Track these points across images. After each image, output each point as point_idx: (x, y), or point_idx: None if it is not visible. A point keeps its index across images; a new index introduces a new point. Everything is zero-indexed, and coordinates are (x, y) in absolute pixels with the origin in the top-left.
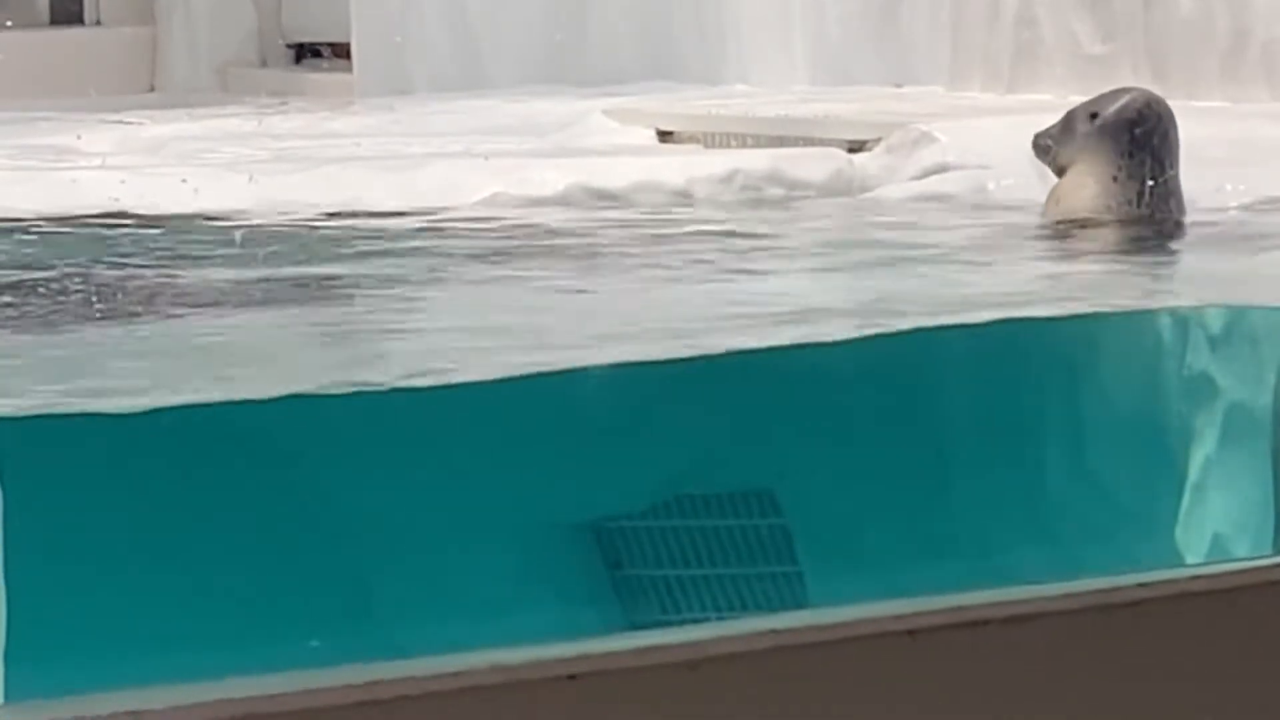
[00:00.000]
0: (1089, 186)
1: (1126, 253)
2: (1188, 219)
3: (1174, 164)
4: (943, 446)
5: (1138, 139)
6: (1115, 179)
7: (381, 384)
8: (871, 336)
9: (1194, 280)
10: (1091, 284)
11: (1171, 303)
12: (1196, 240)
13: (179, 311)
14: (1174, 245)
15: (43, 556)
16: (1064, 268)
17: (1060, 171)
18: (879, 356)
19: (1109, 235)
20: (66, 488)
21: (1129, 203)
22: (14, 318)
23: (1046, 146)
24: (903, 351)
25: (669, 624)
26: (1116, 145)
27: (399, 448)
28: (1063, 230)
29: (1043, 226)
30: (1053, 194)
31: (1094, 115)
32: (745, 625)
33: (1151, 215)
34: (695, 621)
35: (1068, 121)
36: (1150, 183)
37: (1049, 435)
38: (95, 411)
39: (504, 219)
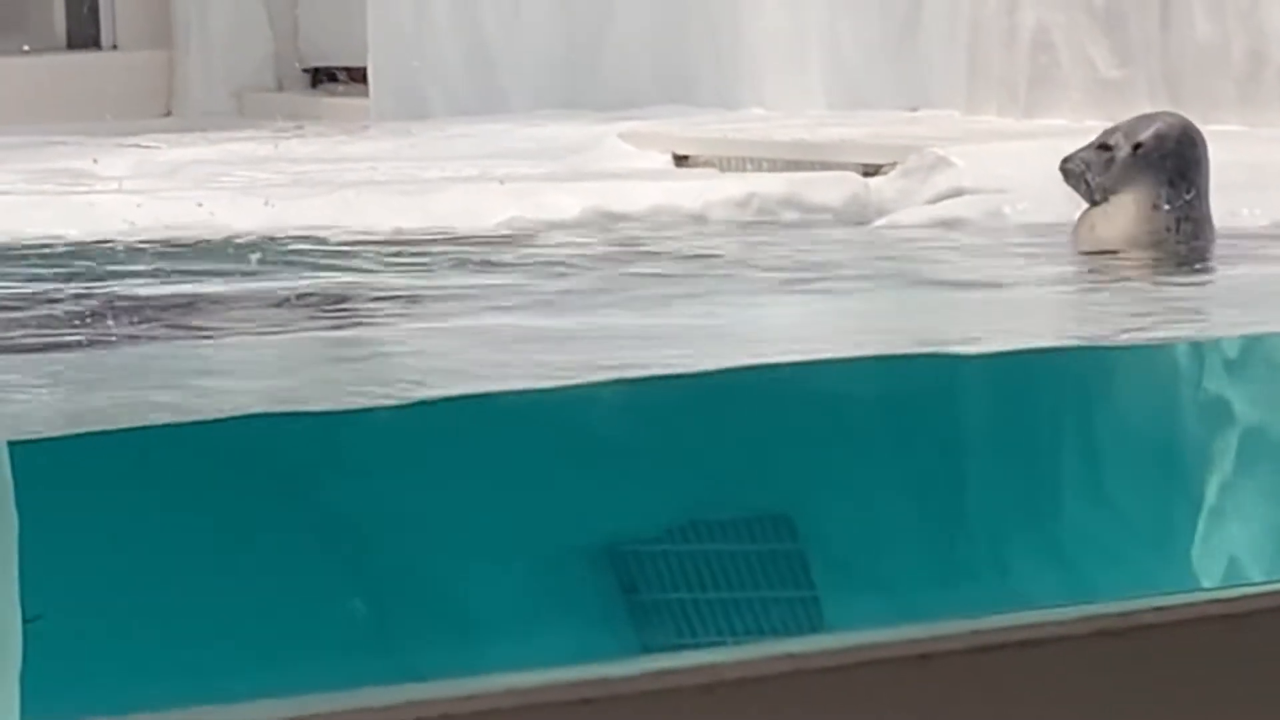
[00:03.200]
0: (1130, 214)
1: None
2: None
3: (1207, 190)
4: (959, 470)
5: (1180, 166)
6: (1155, 207)
7: (395, 400)
8: (886, 358)
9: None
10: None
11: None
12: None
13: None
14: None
15: (57, 576)
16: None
17: (1096, 198)
18: (894, 379)
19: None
20: (81, 508)
21: (1167, 230)
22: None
23: (1080, 173)
24: (918, 375)
25: (684, 648)
26: (1161, 173)
27: (414, 465)
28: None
29: (1083, 253)
30: (1085, 220)
31: (1137, 145)
32: (761, 649)
33: (1189, 241)
34: (710, 645)
35: (1102, 148)
36: (1187, 209)
37: (1064, 459)
38: (102, 430)
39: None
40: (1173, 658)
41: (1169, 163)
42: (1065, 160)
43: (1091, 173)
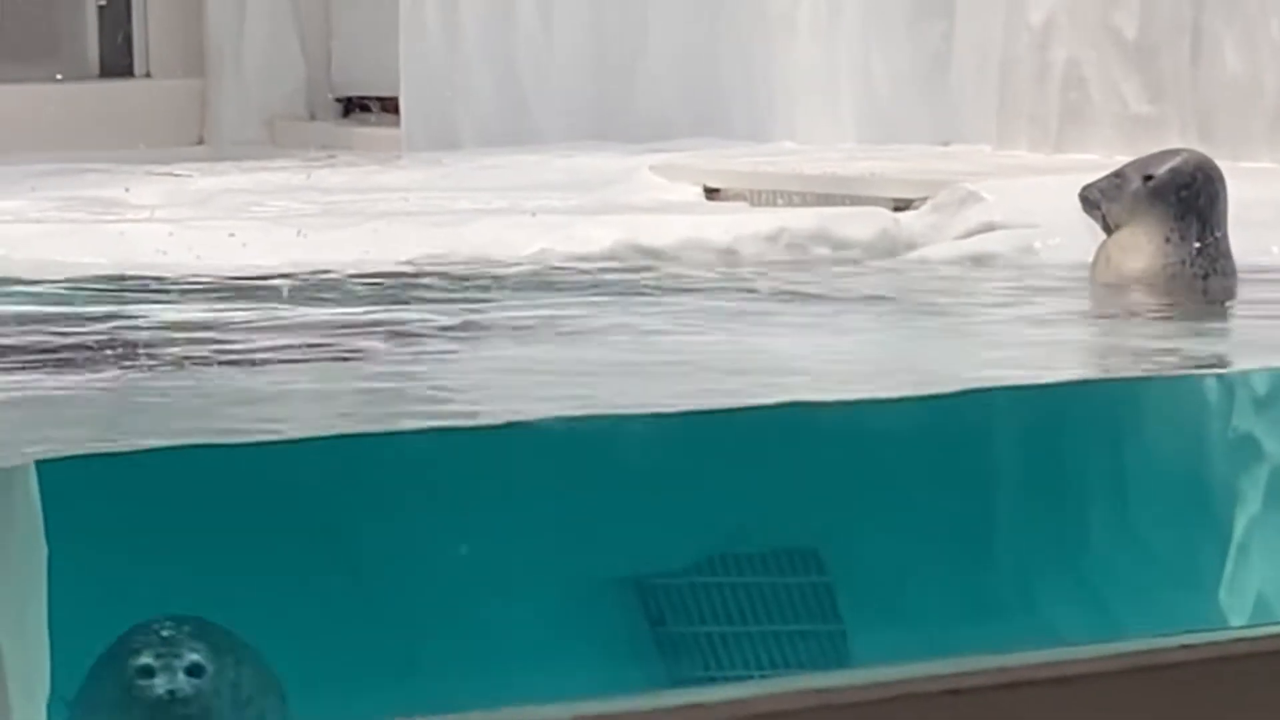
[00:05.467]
0: (1142, 248)
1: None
2: (1238, 280)
3: (1224, 226)
4: (988, 506)
5: (1190, 201)
6: (1169, 240)
7: (422, 428)
8: (916, 398)
9: None
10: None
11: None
12: None
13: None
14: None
15: (87, 605)
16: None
17: (1109, 229)
18: (924, 417)
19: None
20: (108, 532)
21: (1181, 263)
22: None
23: (1095, 201)
24: (947, 412)
25: (711, 681)
26: (1170, 207)
27: (443, 495)
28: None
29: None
30: (1102, 253)
31: (1148, 177)
32: (788, 683)
33: (1204, 276)
34: (738, 679)
35: (1118, 179)
36: (1200, 244)
37: (1093, 496)
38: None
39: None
40: (1201, 695)
41: (1182, 197)
42: (1084, 188)
43: (1105, 202)
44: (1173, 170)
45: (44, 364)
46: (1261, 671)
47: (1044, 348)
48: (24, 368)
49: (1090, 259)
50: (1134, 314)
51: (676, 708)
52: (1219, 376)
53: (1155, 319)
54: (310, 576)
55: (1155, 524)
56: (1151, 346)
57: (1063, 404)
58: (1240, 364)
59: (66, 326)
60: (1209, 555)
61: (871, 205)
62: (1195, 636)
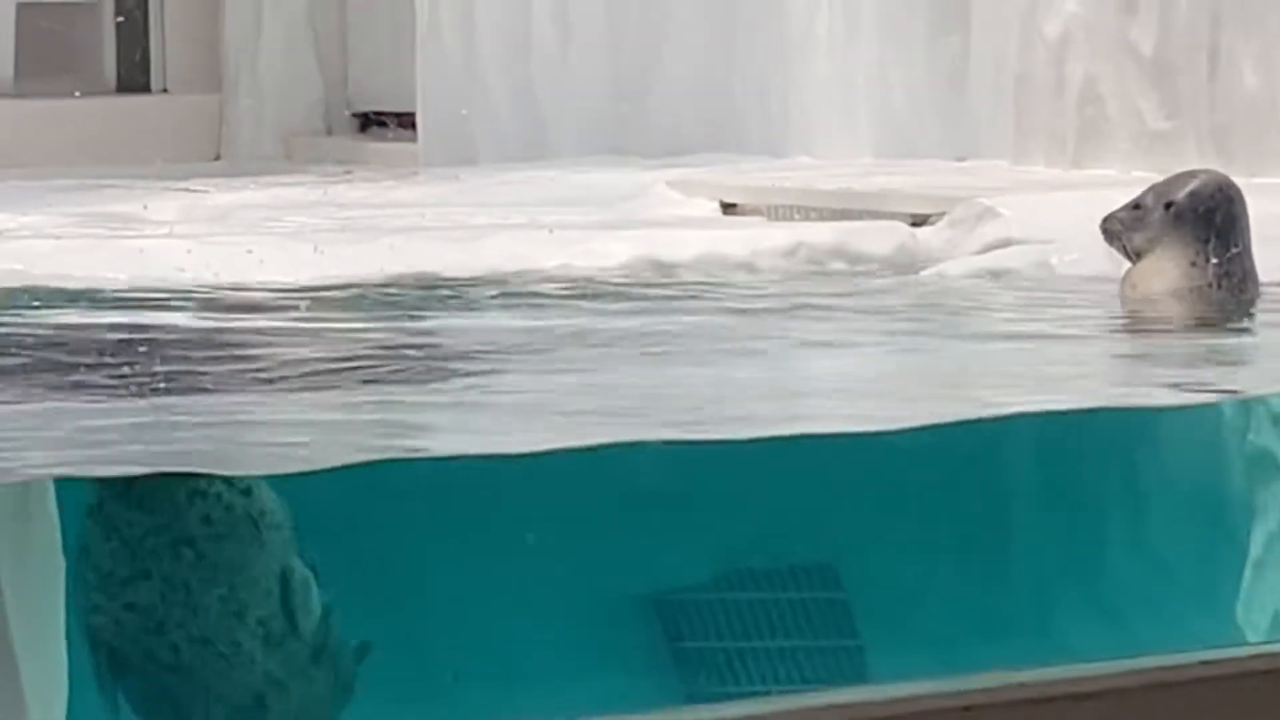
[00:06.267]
0: (1168, 273)
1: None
2: (1261, 297)
3: (1247, 243)
4: (1004, 522)
5: (1212, 224)
6: (1194, 264)
7: (441, 452)
8: (932, 424)
9: None
10: None
11: None
12: None
13: None
14: None
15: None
16: None
17: (1133, 257)
18: (941, 438)
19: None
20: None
21: (1208, 286)
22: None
23: (1117, 231)
24: (964, 430)
25: (729, 697)
26: (1192, 231)
27: (462, 516)
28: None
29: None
30: (1128, 278)
31: (1169, 204)
32: (805, 699)
33: (1230, 296)
34: (755, 695)
35: (1138, 208)
36: (1223, 264)
37: (1109, 512)
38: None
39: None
40: (1219, 711)
41: (1205, 220)
42: (1104, 220)
43: (1126, 232)
44: (1192, 194)
45: (65, 381)
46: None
47: (1063, 365)
48: (44, 384)
49: (1105, 273)
50: (1156, 332)
51: None
52: (1239, 398)
53: (1178, 337)
54: (332, 596)
55: (1172, 541)
56: (1174, 365)
57: (1079, 422)
58: (1261, 383)
59: (89, 340)
60: (1227, 572)
61: (888, 220)
62: (1213, 653)
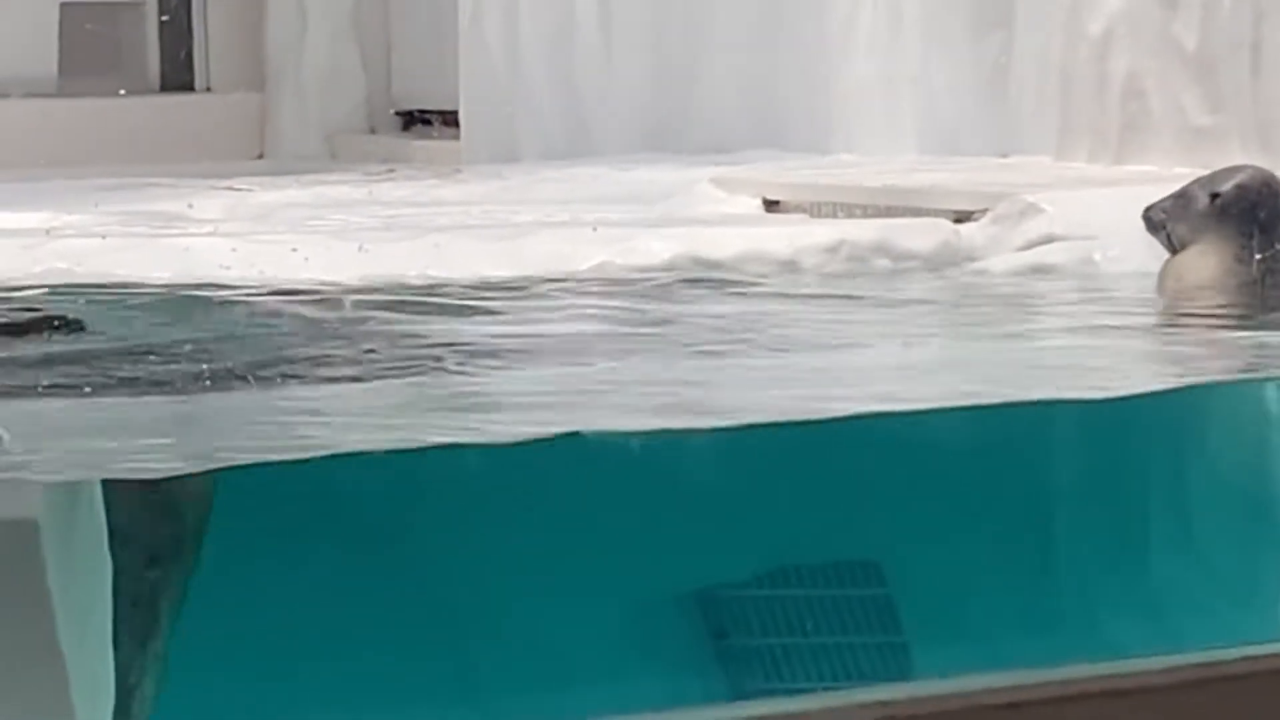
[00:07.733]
0: (1210, 265)
1: None
2: None
3: None
4: (1049, 518)
5: (1259, 219)
6: (1238, 259)
7: (480, 443)
8: (975, 408)
9: None
10: None
11: None
12: None
13: None
14: None
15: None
16: None
17: (1175, 248)
18: (985, 428)
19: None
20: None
21: (1250, 279)
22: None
23: (1161, 222)
24: (1007, 424)
25: (773, 693)
26: (1238, 225)
27: (506, 509)
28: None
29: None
30: (1168, 270)
31: (1215, 195)
32: (850, 695)
33: (1274, 289)
34: (799, 691)
35: (1183, 198)
36: (1266, 261)
37: (1153, 508)
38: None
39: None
40: (1262, 707)
41: (1251, 215)
42: (1147, 209)
43: (1171, 222)
44: (1239, 186)
45: (116, 378)
46: None
47: (1107, 356)
48: (94, 383)
49: (1147, 269)
50: (1199, 326)
51: (740, 719)
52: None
53: (1223, 329)
54: (371, 590)
55: (1216, 536)
56: (1216, 358)
57: (1124, 416)
58: None
59: (142, 340)
60: (1270, 567)
61: (932, 217)
62: (1256, 648)
